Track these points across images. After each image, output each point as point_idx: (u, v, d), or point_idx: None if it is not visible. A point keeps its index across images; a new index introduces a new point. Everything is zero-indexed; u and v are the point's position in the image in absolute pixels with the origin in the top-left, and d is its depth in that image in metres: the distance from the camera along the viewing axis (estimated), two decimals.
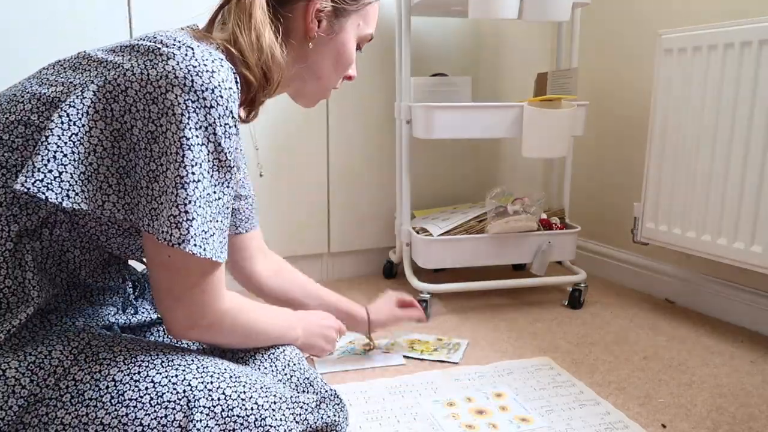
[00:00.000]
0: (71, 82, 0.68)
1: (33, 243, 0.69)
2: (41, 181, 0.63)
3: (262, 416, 0.70)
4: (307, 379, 0.91)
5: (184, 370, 0.70)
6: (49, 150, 0.64)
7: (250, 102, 0.79)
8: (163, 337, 0.89)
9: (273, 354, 0.89)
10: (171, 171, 0.65)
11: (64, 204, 0.64)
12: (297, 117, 1.76)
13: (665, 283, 1.76)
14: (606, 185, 1.96)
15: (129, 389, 0.67)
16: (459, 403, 1.13)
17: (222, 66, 0.68)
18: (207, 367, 0.72)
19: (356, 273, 1.99)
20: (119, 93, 0.66)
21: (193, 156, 0.65)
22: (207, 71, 0.66)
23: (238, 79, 0.72)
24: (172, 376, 0.69)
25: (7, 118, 0.68)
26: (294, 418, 0.74)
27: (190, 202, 0.65)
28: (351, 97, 1.84)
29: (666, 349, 1.41)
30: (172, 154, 0.65)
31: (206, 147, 0.66)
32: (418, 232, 1.66)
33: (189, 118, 0.64)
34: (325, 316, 1.09)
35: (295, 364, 0.90)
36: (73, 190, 0.65)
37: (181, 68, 0.65)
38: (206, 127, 0.66)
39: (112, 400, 0.66)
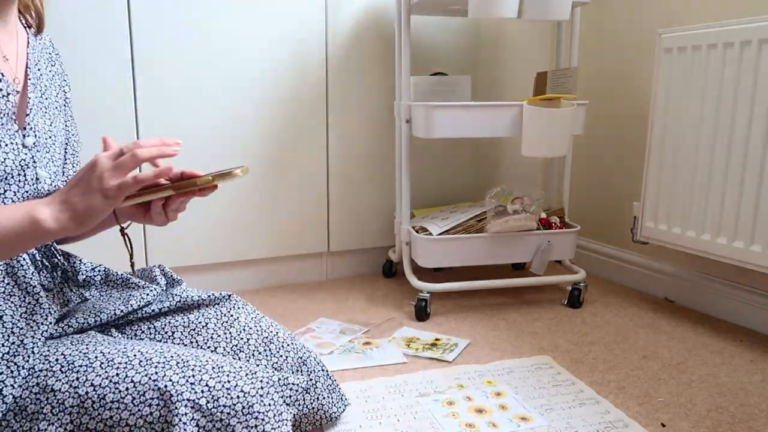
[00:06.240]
0: None
1: None
2: None
3: (249, 403, 0.71)
4: (301, 358, 0.93)
5: (164, 367, 0.70)
6: None
7: None
8: (146, 334, 0.89)
9: (267, 338, 0.91)
10: None
11: None
12: (297, 116, 1.76)
13: (665, 282, 1.76)
14: (605, 184, 1.96)
15: (110, 392, 0.67)
16: (459, 402, 1.14)
17: None
18: (187, 361, 0.72)
19: (356, 272, 1.99)
20: None
21: None
22: None
23: None
24: (152, 374, 0.69)
25: None
26: (284, 401, 0.74)
27: None
28: (351, 97, 1.84)
29: (665, 348, 1.41)
30: None
31: None
32: (417, 232, 1.66)
33: None
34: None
35: (288, 345, 0.93)
36: None
37: None
38: None
39: (94, 405, 0.67)
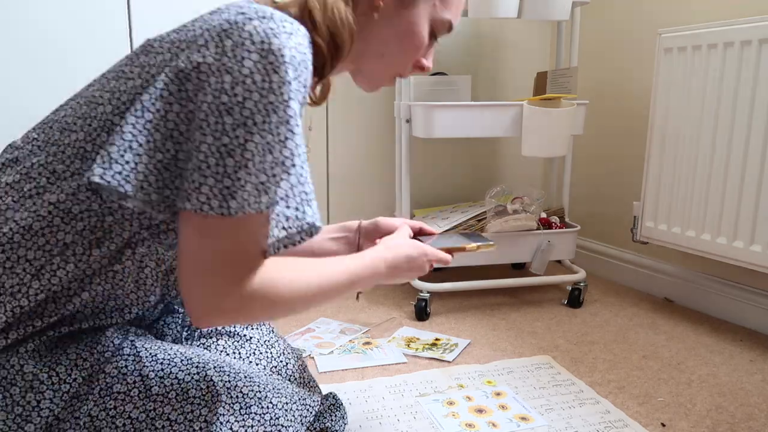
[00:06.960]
0: (145, 69, 0.63)
1: (114, 266, 0.67)
2: (120, 173, 0.58)
3: (276, 415, 0.72)
4: (302, 377, 0.92)
5: (204, 368, 0.71)
6: (124, 140, 0.59)
7: (320, 70, 0.73)
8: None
9: (275, 367, 0.90)
10: (255, 142, 0.59)
11: (137, 196, 0.60)
12: None
13: (665, 282, 1.76)
14: (606, 184, 1.96)
15: (155, 385, 0.67)
16: (459, 402, 1.14)
17: (299, 30, 0.64)
18: (223, 367, 0.73)
19: None
20: (192, 70, 0.60)
21: (279, 119, 0.60)
22: (285, 32, 0.61)
23: (311, 43, 0.68)
24: (194, 374, 0.70)
25: (89, 125, 0.63)
26: (301, 420, 0.75)
27: (286, 165, 0.62)
28: (351, 96, 1.84)
29: (665, 348, 1.41)
30: (257, 123, 0.59)
31: (292, 107, 0.61)
32: None
33: (271, 81, 0.59)
34: (407, 245, 0.86)
35: (296, 378, 0.91)
36: (148, 182, 0.60)
37: (258, 32, 0.59)
38: (284, 87, 0.60)
39: (140, 395, 0.67)
